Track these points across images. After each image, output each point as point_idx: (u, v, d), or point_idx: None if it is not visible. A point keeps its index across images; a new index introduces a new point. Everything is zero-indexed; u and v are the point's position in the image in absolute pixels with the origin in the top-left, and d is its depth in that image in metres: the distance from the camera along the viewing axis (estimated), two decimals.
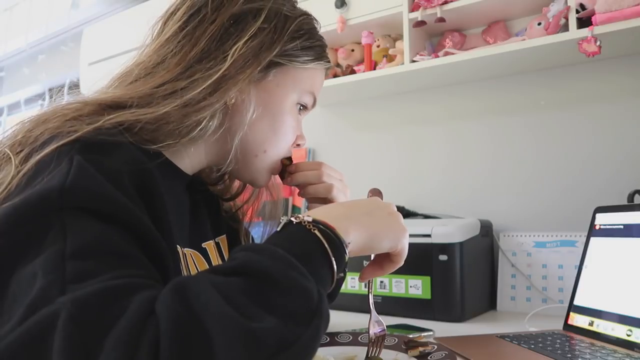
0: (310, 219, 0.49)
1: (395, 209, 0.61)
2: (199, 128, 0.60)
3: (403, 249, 0.60)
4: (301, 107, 0.73)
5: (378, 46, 1.46)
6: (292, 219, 0.49)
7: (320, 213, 0.52)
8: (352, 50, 1.51)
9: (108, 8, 2.23)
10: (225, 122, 0.65)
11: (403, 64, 1.33)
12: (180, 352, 0.34)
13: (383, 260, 0.62)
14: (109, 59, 1.98)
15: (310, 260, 0.45)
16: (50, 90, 2.48)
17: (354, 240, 0.52)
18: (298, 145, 0.76)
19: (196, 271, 0.67)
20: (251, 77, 0.64)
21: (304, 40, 0.69)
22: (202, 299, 0.37)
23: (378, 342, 0.73)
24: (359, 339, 0.82)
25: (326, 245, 0.47)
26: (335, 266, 0.47)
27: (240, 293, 0.39)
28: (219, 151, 0.68)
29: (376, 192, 0.78)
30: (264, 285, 0.40)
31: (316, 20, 0.74)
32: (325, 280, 0.47)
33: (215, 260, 0.73)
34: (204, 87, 0.59)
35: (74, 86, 2.23)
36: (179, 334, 0.34)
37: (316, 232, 0.48)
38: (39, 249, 0.41)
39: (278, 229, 0.50)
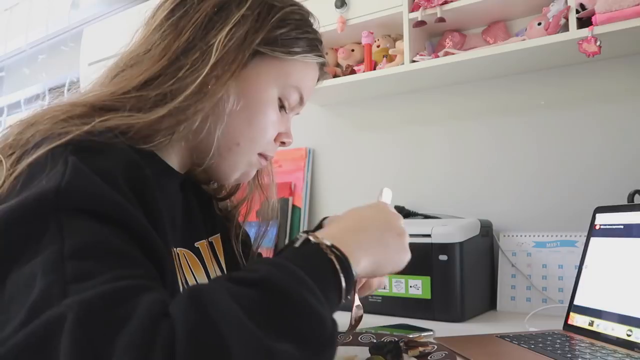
0: (329, 243, 0.49)
1: (403, 224, 0.62)
2: (187, 123, 0.61)
3: (400, 268, 0.61)
4: (284, 103, 0.69)
5: (378, 46, 1.45)
6: (311, 237, 0.50)
7: (338, 237, 0.51)
8: (352, 50, 1.51)
9: (108, 8, 2.23)
10: (208, 115, 0.64)
11: (403, 64, 1.32)
12: (197, 358, 0.33)
13: None
14: (109, 59, 1.98)
15: (325, 287, 0.46)
16: (50, 90, 2.48)
17: (360, 269, 0.53)
18: (283, 143, 0.73)
19: (189, 271, 0.67)
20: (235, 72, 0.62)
21: (289, 30, 0.66)
22: (220, 308, 0.36)
23: (356, 324, 0.73)
24: (359, 339, 0.82)
25: (341, 275, 0.48)
26: (343, 295, 0.48)
27: (259, 308, 0.39)
28: (202, 145, 0.67)
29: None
30: (283, 305, 0.40)
31: (310, 13, 0.71)
32: (334, 308, 0.48)
33: (209, 260, 0.73)
34: (190, 90, 0.59)
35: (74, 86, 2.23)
36: (195, 340, 0.34)
37: (333, 258, 0.48)
38: (36, 250, 0.41)
39: (296, 245, 0.50)
